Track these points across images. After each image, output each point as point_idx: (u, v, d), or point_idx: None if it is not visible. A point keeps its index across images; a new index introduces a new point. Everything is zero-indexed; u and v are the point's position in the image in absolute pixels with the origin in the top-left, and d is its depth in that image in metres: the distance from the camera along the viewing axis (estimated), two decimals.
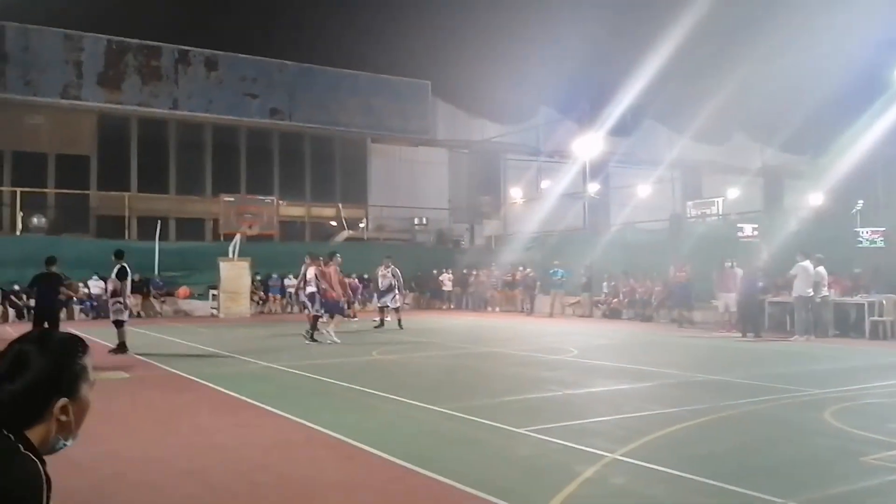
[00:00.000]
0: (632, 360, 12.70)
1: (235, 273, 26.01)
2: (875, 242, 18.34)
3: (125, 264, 13.85)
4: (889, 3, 24.97)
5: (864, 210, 24.00)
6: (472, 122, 39.28)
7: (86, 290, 25.74)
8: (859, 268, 18.07)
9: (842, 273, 17.97)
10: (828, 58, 29.12)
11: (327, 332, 15.78)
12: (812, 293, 16.11)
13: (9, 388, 1.68)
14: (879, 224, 19.33)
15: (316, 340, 15.56)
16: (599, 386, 9.94)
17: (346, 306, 17.02)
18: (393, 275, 19.38)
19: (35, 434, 1.70)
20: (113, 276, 13.86)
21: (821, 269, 16.33)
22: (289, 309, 28.09)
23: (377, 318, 19.82)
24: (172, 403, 8.97)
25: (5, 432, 1.65)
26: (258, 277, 27.94)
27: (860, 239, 18.79)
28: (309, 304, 16.25)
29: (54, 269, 13.37)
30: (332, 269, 15.93)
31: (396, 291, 19.58)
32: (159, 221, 29.40)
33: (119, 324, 13.70)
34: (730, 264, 18.89)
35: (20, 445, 1.65)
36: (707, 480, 5.25)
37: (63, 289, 13.73)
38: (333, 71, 36.78)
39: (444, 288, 30.74)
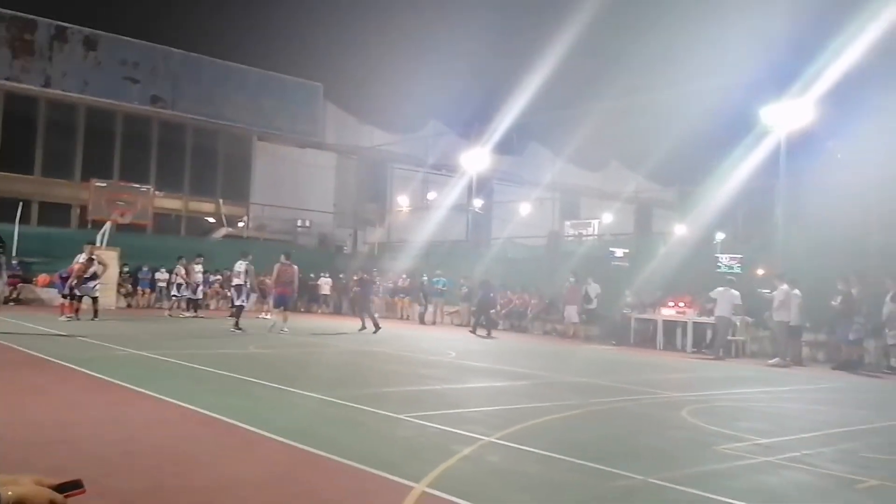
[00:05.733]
0: (507, 363, 13.13)
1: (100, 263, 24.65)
2: (733, 268, 19.79)
3: None
4: (757, 48, 27.13)
5: (725, 241, 25.88)
6: (362, 129, 39.29)
7: None
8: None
9: (701, 296, 19.22)
10: (697, 96, 31.19)
11: (278, 322, 17.51)
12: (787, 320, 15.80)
13: None
14: (737, 252, 20.93)
15: (241, 329, 16.65)
16: (476, 383, 10.22)
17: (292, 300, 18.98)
18: (100, 262, 18.71)
19: None
20: None
21: (796, 291, 16.01)
22: (158, 304, 26.96)
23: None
24: (37, 380, 8.48)
25: None
26: (126, 269, 26.63)
27: (719, 264, 20.26)
28: (235, 296, 17.89)
29: None
30: (285, 267, 17.69)
31: (99, 279, 18.76)
32: (21, 203, 27.52)
33: None
34: (573, 280, 20.64)
35: None
36: (575, 460, 5.55)
37: None
38: (222, 63, 35.84)
39: (322, 292, 30.41)
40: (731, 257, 20.05)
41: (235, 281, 18.02)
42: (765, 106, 19.04)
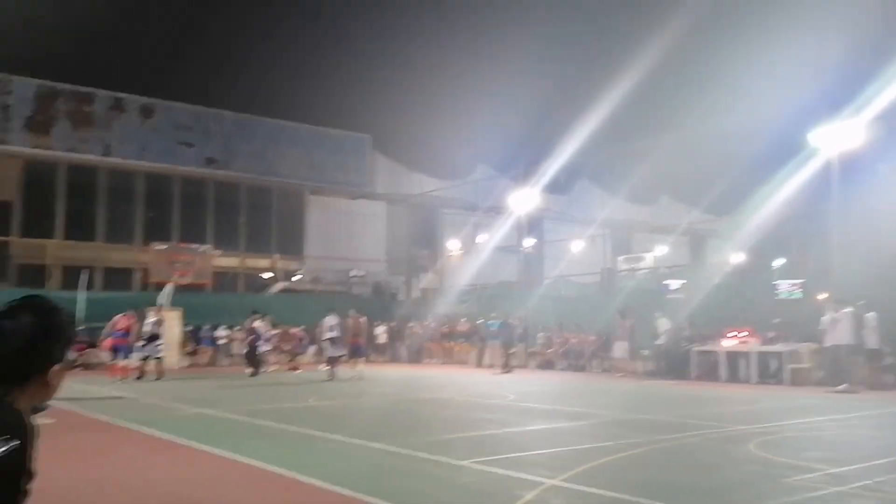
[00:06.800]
0: (566, 404, 12.96)
1: (165, 324, 25.26)
2: (793, 294, 19.29)
3: None
4: (806, 72, 26.81)
5: (783, 268, 25.28)
6: (411, 177, 39.82)
7: None
8: (778, 318, 18.88)
9: (762, 324, 18.73)
10: (746, 125, 30.89)
11: (354, 371, 18.75)
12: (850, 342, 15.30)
13: (5, 352, 1.73)
14: (796, 278, 20.40)
15: (333, 379, 18.11)
16: (536, 425, 10.11)
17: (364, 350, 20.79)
18: (158, 323, 19.06)
19: (22, 394, 1.77)
20: None
21: (872, 313, 15.63)
22: (219, 361, 27.44)
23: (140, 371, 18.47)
24: (101, 443, 8.72)
25: None
26: (188, 328, 27.23)
27: (779, 291, 19.75)
28: (330, 348, 18.91)
29: None
30: (356, 320, 19.59)
31: (161, 340, 19.00)
32: (84, 271, 28.51)
33: None
34: (621, 316, 20.60)
35: (6, 399, 1.72)
36: (641, 500, 5.44)
37: None
38: (272, 122, 36.92)
39: (379, 341, 30.51)
40: (790, 283, 19.54)
41: (328, 334, 19.00)
42: (814, 129, 18.73)
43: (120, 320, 18.78)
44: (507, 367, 21.71)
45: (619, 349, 20.75)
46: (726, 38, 34.19)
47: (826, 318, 15.84)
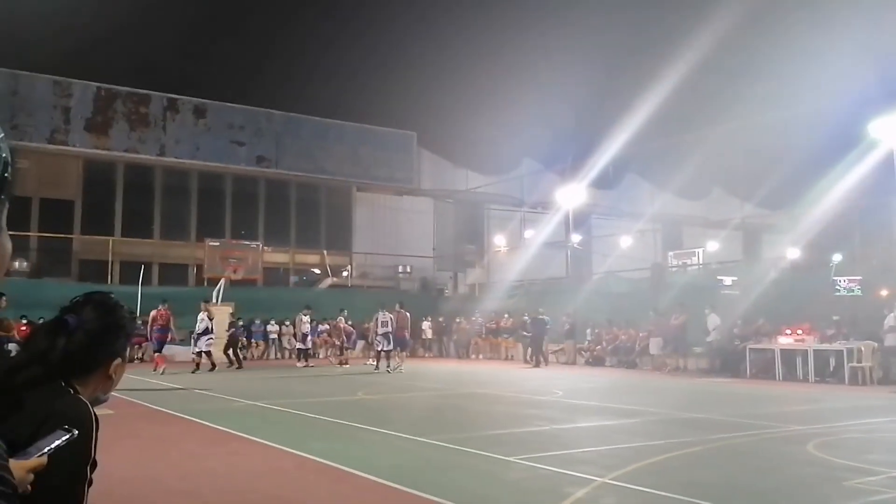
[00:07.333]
0: (617, 400, 12.81)
1: (218, 318, 25.79)
2: (853, 291, 18.69)
3: None
4: (866, 59, 25.97)
5: (841, 263, 24.54)
6: (457, 173, 39.79)
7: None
8: (837, 315, 18.35)
9: (820, 321, 18.23)
10: (803, 116, 29.98)
11: (397, 363, 19.42)
12: None
13: (70, 346, 1.78)
14: (856, 274, 19.78)
15: (390, 371, 18.87)
16: (586, 422, 10.02)
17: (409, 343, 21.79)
18: (210, 317, 19.67)
19: (85, 386, 1.82)
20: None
21: None
22: (270, 355, 27.92)
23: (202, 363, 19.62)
24: (160, 434, 8.94)
25: (62, 382, 1.77)
26: (240, 322, 27.73)
27: (838, 288, 19.17)
28: (384, 342, 19.47)
29: None
30: (401, 314, 20.07)
31: (212, 334, 19.80)
32: (143, 266, 29.26)
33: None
34: (655, 313, 20.84)
35: (71, 390, 1.77)
36: (696, 501, 5.34)
37: None
38: (320, 120, 37.31)
39: (425, 336, 30.58)
40: (849, 280, 18.95)
41: (382, 329, 19.50)
42: (875, 119, 18.11)
43: (158, 314, 19.58)
44: (534, 362, 22.05)
45: (654, 345, 20.80)
46: (781, 24, 33.30)
47: (890, 317, 15.32)
